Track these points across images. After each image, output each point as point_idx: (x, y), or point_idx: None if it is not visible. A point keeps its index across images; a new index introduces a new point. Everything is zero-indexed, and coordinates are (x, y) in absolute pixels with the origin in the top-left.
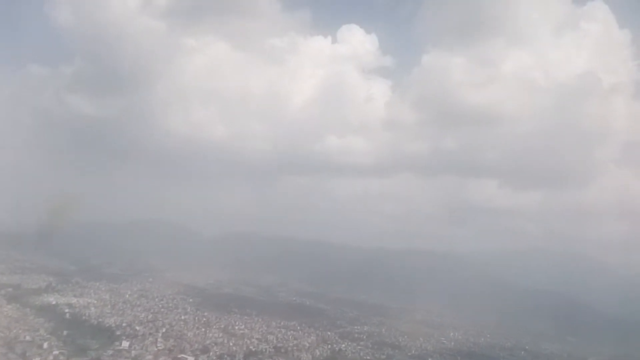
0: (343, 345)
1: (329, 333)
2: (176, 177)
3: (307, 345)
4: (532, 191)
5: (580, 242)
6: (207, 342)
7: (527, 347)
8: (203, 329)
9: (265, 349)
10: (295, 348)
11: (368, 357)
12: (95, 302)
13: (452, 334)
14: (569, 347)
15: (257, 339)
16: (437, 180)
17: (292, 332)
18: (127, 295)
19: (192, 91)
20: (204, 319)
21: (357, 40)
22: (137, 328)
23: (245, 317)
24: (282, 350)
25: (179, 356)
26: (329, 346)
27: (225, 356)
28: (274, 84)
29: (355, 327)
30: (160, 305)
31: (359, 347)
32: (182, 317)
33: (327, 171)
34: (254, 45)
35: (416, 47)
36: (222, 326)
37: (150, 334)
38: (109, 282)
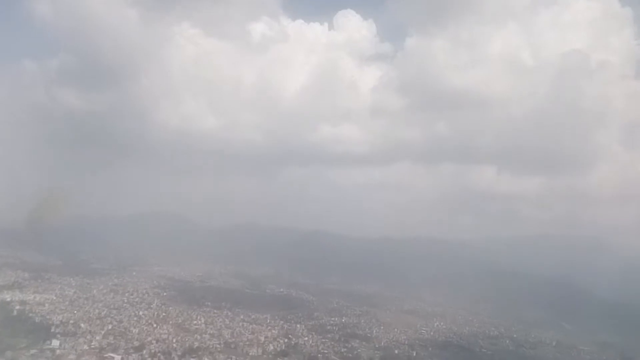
0: (306, 339)
1: (297, 326)
2: (171, 170)
3: (263, 339)
4: (533, 176)
5: (586, 227)
6: (150, 338)
7: (514, 336)
8: (155, 325)
9: (214, 344)
10: (248, 343)
11: (326, 351)
12: (55, 298)
13: (436, 323)
14: (562, 334)
15: (210, 334)
16: (435, 168)
17: (256, 325)
18: (95, 291)
19: (182, 82)
20: (163, 314)
21: (354, 27)
22: (82, 325)
23: (215, 311)
24: (232, 346)
25: (106, 355)
26: (286, 340)
27: (159, 354)
28: (267, 73)
29: (332, 319)
30: (125, 301)
31: (324, 339)
32: (141, 313)
33: (324, 161)
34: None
35: (411, 32)
36: (180, 321)
37: (92, 331)
38: (86, 277)
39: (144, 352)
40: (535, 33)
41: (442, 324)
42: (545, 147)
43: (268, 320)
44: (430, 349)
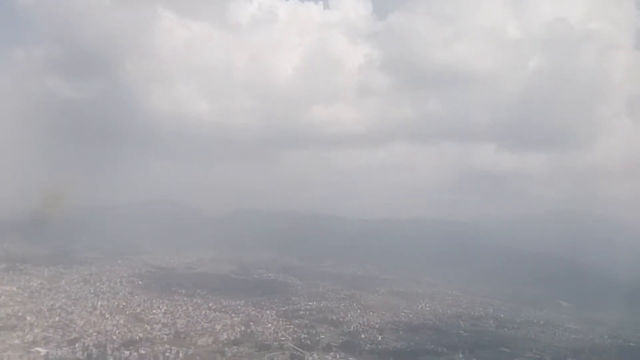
0: (269, 325)
1: (268, 312)
2: (167, 157)
3: (219, 328)
4: (534, 153)
5: (592, 203)
6: (91, 330)
7: (501, 316)
8: (107, 316)
9: (162, 335)
10: (200, 332)
11: (284, 338)
12: (15, 290)
13: (421, 305)
14: (555, 313)
15: (163, 323)
16: (433, 147)
17: (220, 313)
18: (64, 282)
19: (172, 67)
20: (123, 304)
21: (350, 5)
22: (27, 318)
23: (185, 299)
24: (182, 336)
25: (33, 350)
26: (243, 328)
27: (92, 347)
28: (260, 54)
29: (310, 303)
30: (91, 291)
31: (290, 325)
32: (99, 304)
33: (321, 143)
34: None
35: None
36: (138, 311)
37: (34, 324)
38: (65, 267)
39: (77, 345)
40: (521, 3)
41: (427, 305)
42: (543, 122)
43: (239, 307)
44: (400, 332)
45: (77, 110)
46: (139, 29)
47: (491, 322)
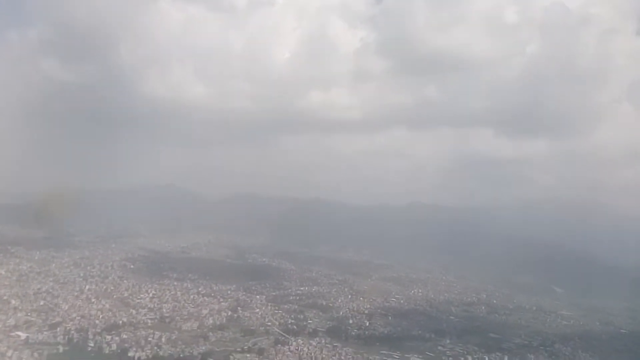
0: (257, 310)
1: (257, 297)
2: (166, 141)
3: (206, 313)
4: (532, 139)
5: (592, 190)
6: (75, 315)
7: (494, 302)
8: (94, 300)
9: (147, 319)
10: (186, 317)
11: (270, 324)
12: (4, 273)
13: (413, 291)
14: (549, 299)
15: (149, 308)
16: (431, 133)
17: (209, 298)
18: (54, 265)
19: (168, 50)
20: (111, 289)
21: None
22: (12, 302)
23: (175, 283)
24: (167, 321)
25: (13, 334)
26: (230, 313)
27: (73, 331)
28: (257, 38)
29: (301, 288)
30: (80, 275)
31: (278, 311)
32: (87, 287)
33: (320, 128)
34: None
35: None
36: (126, 295)
37: (19, 308)
38: (57, 250)
39: (58, 329)
40: None
41: (420, 291)
42: (541, 108)
43: (229, 292)
44: (389, 317)
45: (72, 94)
46: (134, 12)
47: (483, 308)
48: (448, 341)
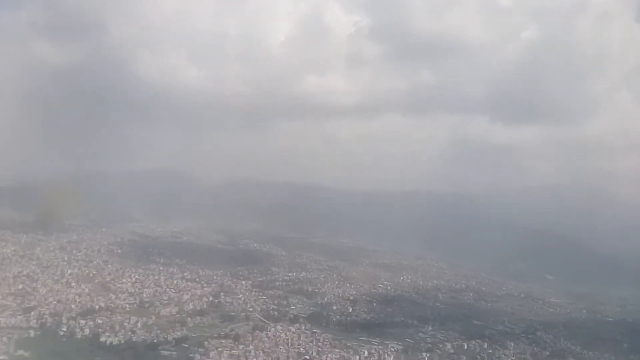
0: (240, 296)
1: (243, 282)
2: (162, 125)
3: (187, 298)
4: (529, 125)
5: (588, 177)
6: (52, 299)
7: (483, 289)
8: (74, 285)
9: (126, 304)
10: (166, 302)
11: (251, 309)
12: None
13: (402, 277)
14: (539, 286)
15: (130, 293)
16: (426, 119)
17: (192, 283)
18: (39, 249)
19: (162, 33)
20: (94, 273)
21: None
22: None
23: (160, 268)
24: (146, 306)
25: None
26: (211, 298)
27: (47, 316)
28: (252, 21)
29: (289, 274)
30: (64, 259)
31: (262, 296)
32: (69, 272)
33: (315, 113)
34: None
35: None
36: (108, 280)
37: None
38: (45, 234)
39: (32, 313)
40: None
41: (409, 277)
42: (537, 94)
43: (215, 277)
44: (374, 304)
45: (64, 77)
46: None
47: (471, 294)
48: (430, 328)
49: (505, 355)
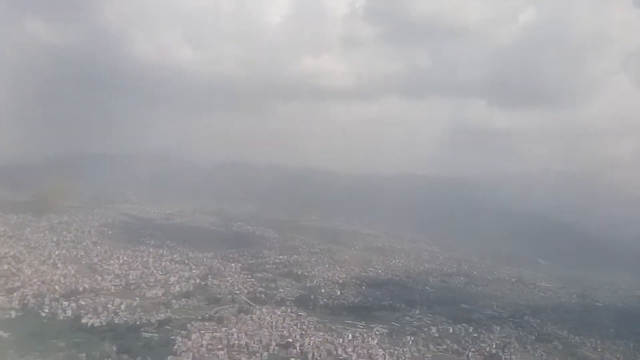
0: (228, 279)
1: (233, 265)
2: (158, 106)
3: (174, 280)
4: (527, 110)
5: (586, 162)
6: (36, 280)
7: (474, 273)
8: (60, 266)
9: (111, 286)
10: (152, 284)
11: (238, 292)
12: None
13: (394, 261)
14: (531, 271)
15: (116, 274)
16: (423, 102)
17: (181, 265)
18: (28, 229)
19: (156, 13)
20: (81, 254)
21: None
22: None
23: (150, 250)
24: (132, 287)
25: None
26: (198, 281)
27: (29, 297)
28: (247, 2)
29: (280, 257)
30: (53, 240)
31: (251, 279)
32: (56, 252)
33: (311, 96)
34: None
35: None
36: (95, 261)
37: None
38: (35, 214)
39: (15, 294)
40: None
41: (401, 261)
42: (535, 78)
43: (204, 260)
44: (363, 287)
45: (58, 56)
46: None
47: (461, 279)
48: (417, 312)
49: (489, 339)
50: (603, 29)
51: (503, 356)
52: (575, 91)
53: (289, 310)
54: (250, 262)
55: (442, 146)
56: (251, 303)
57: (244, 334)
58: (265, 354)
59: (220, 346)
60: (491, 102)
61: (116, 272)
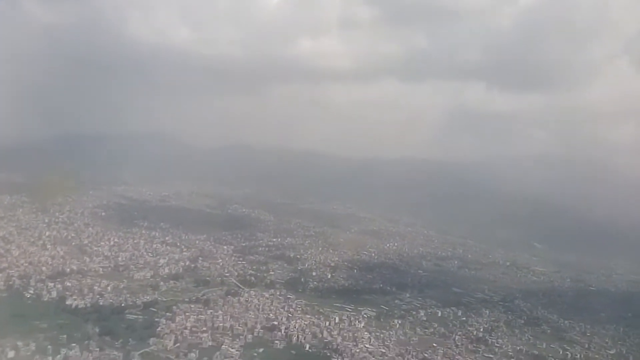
0: (219, 261)
1: (225, 247)
2: (157, 88)
3: (164, 262)
4: (526, 93)
5: (585, 146)
6: (23, 261)
7: (469, 256)
8: (49, 247)
9: (99, 267)
10: (141, 266)
11: (228, 274)
12: None
13: (389, 244)
14: (526, 255)
15: (105, 256)
16: (421, 84)
17: (172, 247)
18: (21, 210)
19: None
20: (72, 236)
21: None
22: None
23: (143, 232)
24: (121, 269)
25: None
26: (188, 263)
27: (15, 278)
28: None
29: (274, 240)
30: (45, 221)
31: (242, 262)
32: (47, 234)
33: (309, 78)
34: None
35: None
36: (85, 242)
37: None
38: (29, 195)
39: (0, 275)
40: None
41: (395, 244)
42: (534, 61)
43: (196, 242)
44: (355, 270)
45: (54, 36)
46: None
47: (455, 262)
48: (408, 295)
49: (477, 322)
50: (604, 11)
51: (490, 340)
52: (576, 74)
53: (278, 293)
54: (243, 244)
55: (441, 129)
56: (240, 286)
57: (229, 317)
58: (250, 336)
59: (204, 328)
60: (490, 85)
61: (105, 254)
